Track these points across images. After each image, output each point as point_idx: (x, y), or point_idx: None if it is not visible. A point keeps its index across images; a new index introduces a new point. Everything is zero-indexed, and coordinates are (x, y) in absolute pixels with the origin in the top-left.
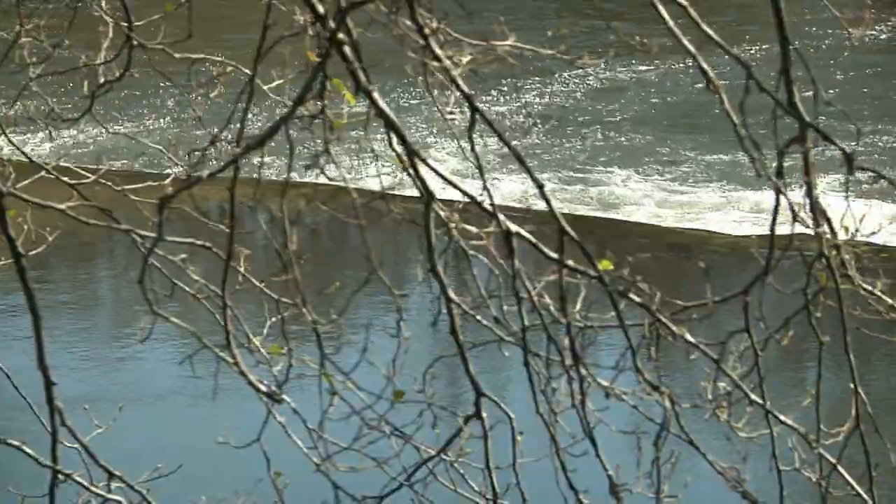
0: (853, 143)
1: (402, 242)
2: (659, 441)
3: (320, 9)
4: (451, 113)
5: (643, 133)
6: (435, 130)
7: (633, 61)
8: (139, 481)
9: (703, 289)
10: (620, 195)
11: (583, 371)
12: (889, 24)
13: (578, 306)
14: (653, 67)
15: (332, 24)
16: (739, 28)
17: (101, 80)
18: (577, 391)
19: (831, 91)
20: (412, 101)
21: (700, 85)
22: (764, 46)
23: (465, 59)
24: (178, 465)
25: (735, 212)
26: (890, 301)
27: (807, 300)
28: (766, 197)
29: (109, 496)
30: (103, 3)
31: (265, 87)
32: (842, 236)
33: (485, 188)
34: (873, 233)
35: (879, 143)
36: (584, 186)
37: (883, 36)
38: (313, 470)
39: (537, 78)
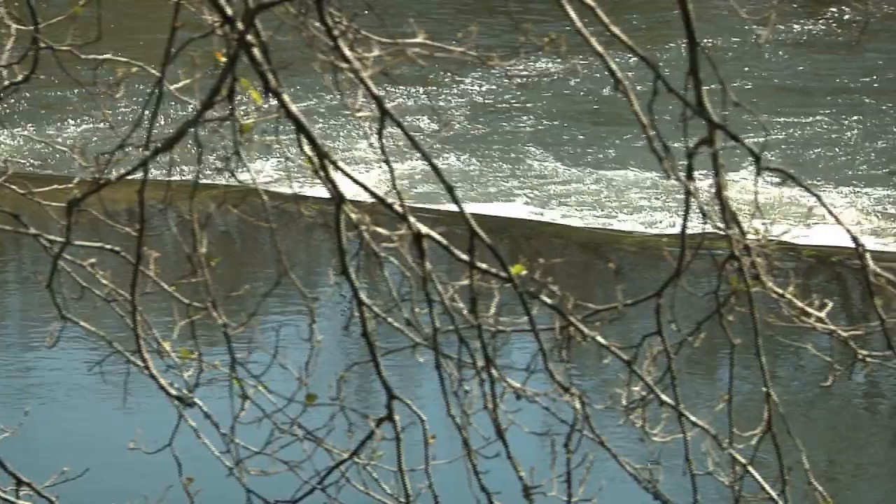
0: (762, 141)
1: (315, 245)
2: (570, 443)
3: (228, 10)
4: (358, 111)
5: (553, 132)
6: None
7: (552, 59)
8: (45, 485)
9: (617, 289)
10: (536, 196)
11: (494, 373)
12: (820, 18)
13: (492, 309)
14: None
15: (240, 25)
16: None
17: (6, 82)
18: (488, 393)
19: (750, 83)
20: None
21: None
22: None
23: (373, 55)
24: (86, 470)
25: (646, 211)
26: (800, 304)
27: (718, 302)
28: (678, 198)
29: (18, 502)
30: (1, 7)
31: (171, 88)
32: (752, 237)
33: (394, 189)
34: (784, 232)
35: (792, 141)
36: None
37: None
38: (225, 474)
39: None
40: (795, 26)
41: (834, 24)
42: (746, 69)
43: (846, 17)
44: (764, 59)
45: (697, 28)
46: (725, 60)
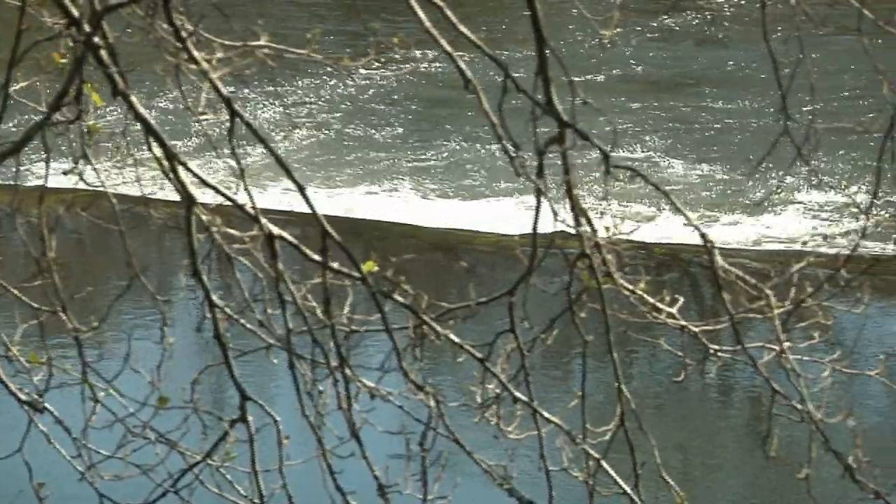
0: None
1: (167, 247)
2: (424, 441)
3: (74, 12)
4: (202, 113)
5: (407, 132)
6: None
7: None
8: None
9: (471, 288)
10: (393, 195)
11: (348, 373)
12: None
13: (345, 309)
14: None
15: (87, 27)
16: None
17: None
18: (342, 393)
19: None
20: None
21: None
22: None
23: (218, 56)
24: None
25: (499, 211)
26: (651, 300)
27: (570, 300)
28: (531, 196)
29: None
30: None
31: (11, 90)
32: (603, 235)
33: (246, 191)
34: (633, 230)
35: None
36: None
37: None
38: (77, 479)
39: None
40: (653, 23)
41: (694, 21)
42: (605, 66)
43: (703, 13)
44: (624, 55)
45: (560, 25)
46: (587, 57)
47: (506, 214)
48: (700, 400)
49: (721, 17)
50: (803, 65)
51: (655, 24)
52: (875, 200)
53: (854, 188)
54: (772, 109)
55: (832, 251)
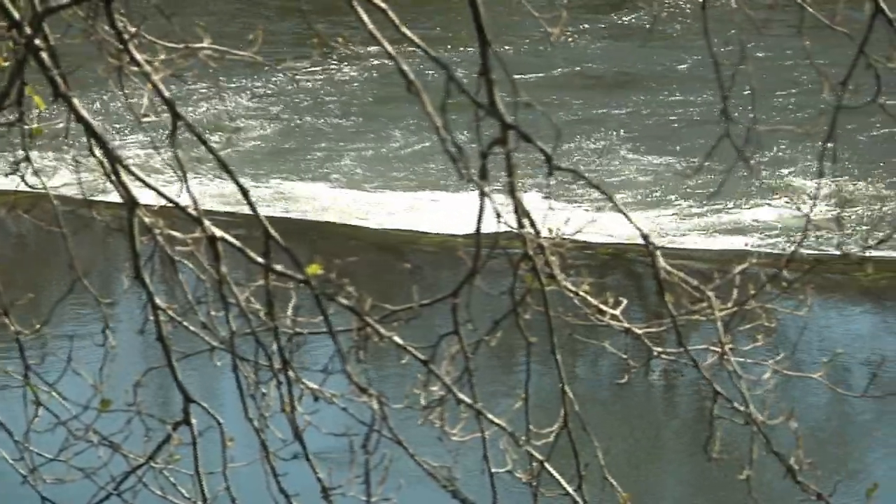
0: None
1: (111, 250)
2: (368, 443)
3: (15, 14)
4: (145, 116)
5: (343, 133)
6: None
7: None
8: None
9: (415, 290)
10: (334, 197)
11: (292, 375)
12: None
13: (289, 311)
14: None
15: (28, 30)
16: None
17: None
18: (286, 395)
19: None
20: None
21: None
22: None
23: (161, 59)
24: None
25: (444, 211)
26: (595, 302)
27: (514, 301)
28: (474, 197)
29: None
30: None
31: None
32: (546, 236)
33: (188, 192)
34: (577, 231)
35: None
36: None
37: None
38: (20, 482)
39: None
40: (602, 22)
41: (635, 20)
42: (562, 64)
43: (655, 11)
44: (578, 52)
45: (518, 23)
46: (541, 55)
47: (451, 215)
48: (644, 401)
49: (674, 14)
50: (745, 65)
51: (605, 24)
52: (816, 200)
53: (797, 185)
54: (716, 110)
55: (776, 252)
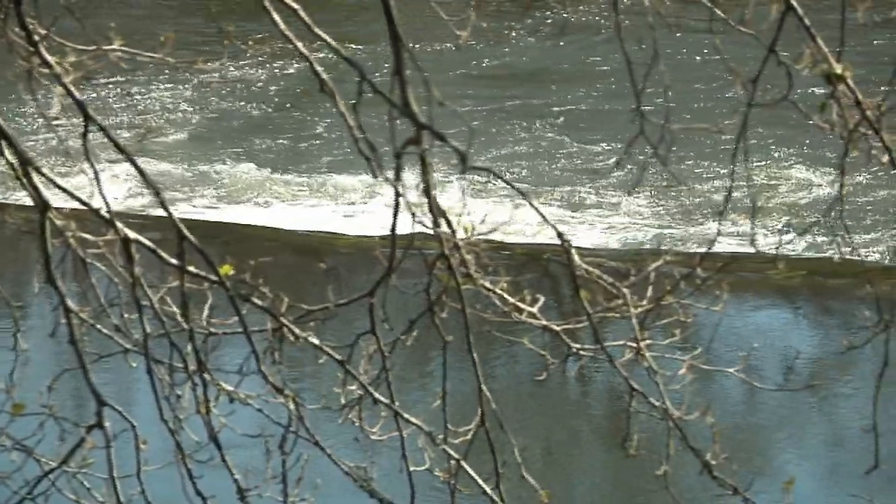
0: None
1: (22, 253)
2: (284, 444)
3: None
4: (56, 119)
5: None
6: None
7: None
8: None
9: (331, 291)
10: (249, 198)
11: (207, 377)
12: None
13: (204, 313)
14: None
15: None
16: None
17: None
18: (201, 397)
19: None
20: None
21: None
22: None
23: (71, 60)
24: None
25: (360, 212)
26: (512, 300)
27: (429, 300)
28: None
29: None
30: None
31: None
32: (462, 235)
33: (101, 195)
34: (493, 230)
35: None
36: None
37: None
38: None
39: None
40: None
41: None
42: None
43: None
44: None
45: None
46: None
47: (365, 216)
48: (561, 398)
49: (591, 13)
50: (658, 64)
51: (525, 23)
52: (730, 198)
53: (708, 186)
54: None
55: (690, 250)
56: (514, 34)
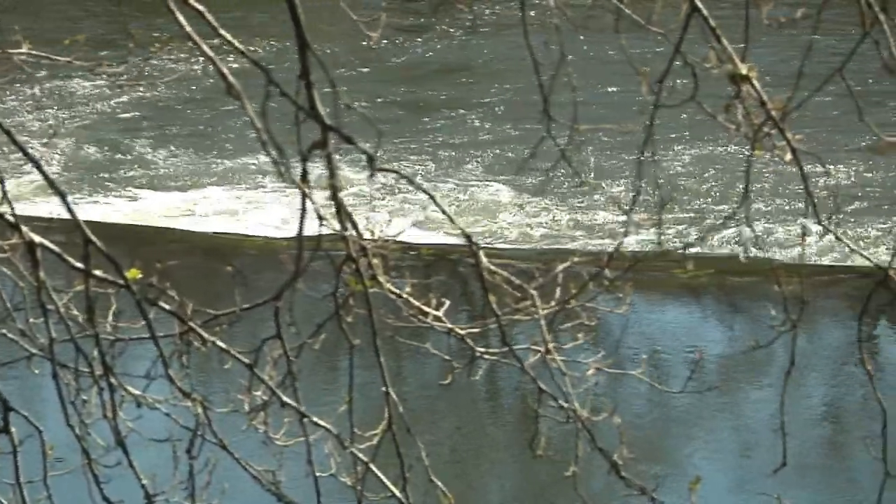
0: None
1: None
2: (191, 448)
3: None
4: None
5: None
6: None
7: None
8: None
9: (238, 294)
10: (155, 201)
11: (113, 381)
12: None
13: (110, 317)
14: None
15: None
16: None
17: None
18: (108, 401)
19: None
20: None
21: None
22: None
23: None
24: None
25: (266, 214)
26: (417, 304)
27: (337, 304)
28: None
29: None
30: None
31: None
32: (369, 237)
33: (5, 198)
34: (400, 232)
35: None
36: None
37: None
38: None
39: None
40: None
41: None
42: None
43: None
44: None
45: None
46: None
47: (273, 218)
48: (469, 401)
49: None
50: (565, 64)
51: (438, 20)
52: (637, 198)
53: (617, 188)
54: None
55: (597, 250)
56: (425, 33)
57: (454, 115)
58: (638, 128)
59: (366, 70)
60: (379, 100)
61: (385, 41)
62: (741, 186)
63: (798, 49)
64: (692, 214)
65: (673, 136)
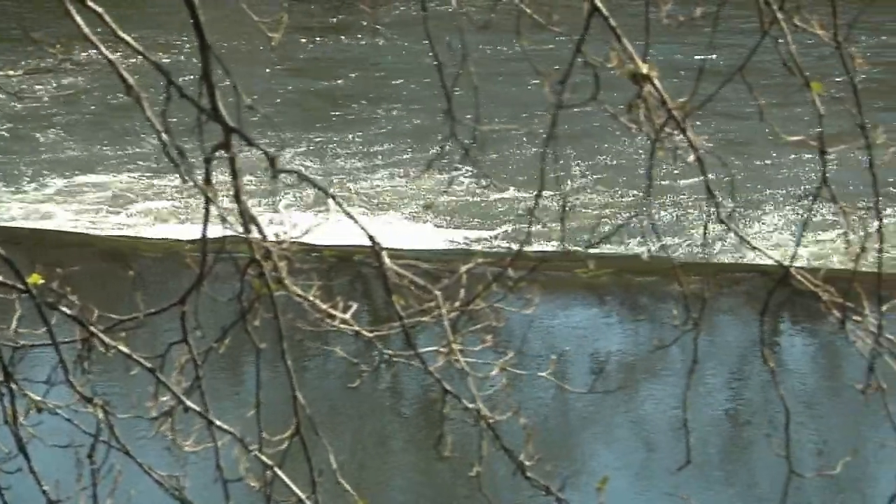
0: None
1: None
2: (93, 454)
3: None
4: None
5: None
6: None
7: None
8: None
9: (142, 298)
10: (55, 205)
11: (14, 387)
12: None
13: (12, 323)
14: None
15: None
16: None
17: None
18: (9, 407)
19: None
20: None
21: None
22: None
23: None
24: None
25: (169, 218)
26: (324, 307)
27: (242, 307)
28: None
29: None
30: None
31: None
32: (273, 240)
33: None
34: (304, 233)
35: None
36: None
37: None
38: None
39: None
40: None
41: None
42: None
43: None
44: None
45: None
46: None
47: (174, 221)
48: (376, 404)
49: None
50: (467, 65)
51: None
52: (539, 200)
53: (521, 186)
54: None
55: (501, 251)
56: (331, 32)
57: (365, 112)
58: (540, 129)
59: (278, 68)
60: (289, 96)
61: (304, 40)
62: (644, 185)
63: (730, 45)
64: (597, 212)
65: (580, 136)
